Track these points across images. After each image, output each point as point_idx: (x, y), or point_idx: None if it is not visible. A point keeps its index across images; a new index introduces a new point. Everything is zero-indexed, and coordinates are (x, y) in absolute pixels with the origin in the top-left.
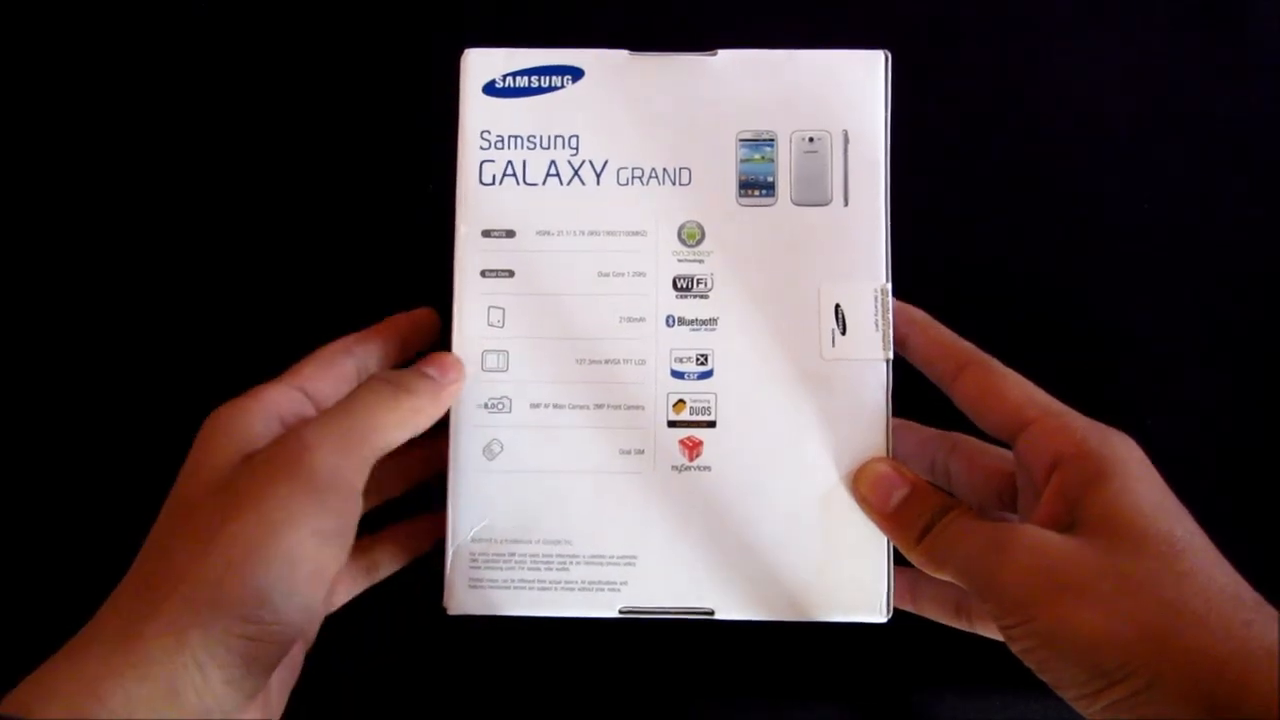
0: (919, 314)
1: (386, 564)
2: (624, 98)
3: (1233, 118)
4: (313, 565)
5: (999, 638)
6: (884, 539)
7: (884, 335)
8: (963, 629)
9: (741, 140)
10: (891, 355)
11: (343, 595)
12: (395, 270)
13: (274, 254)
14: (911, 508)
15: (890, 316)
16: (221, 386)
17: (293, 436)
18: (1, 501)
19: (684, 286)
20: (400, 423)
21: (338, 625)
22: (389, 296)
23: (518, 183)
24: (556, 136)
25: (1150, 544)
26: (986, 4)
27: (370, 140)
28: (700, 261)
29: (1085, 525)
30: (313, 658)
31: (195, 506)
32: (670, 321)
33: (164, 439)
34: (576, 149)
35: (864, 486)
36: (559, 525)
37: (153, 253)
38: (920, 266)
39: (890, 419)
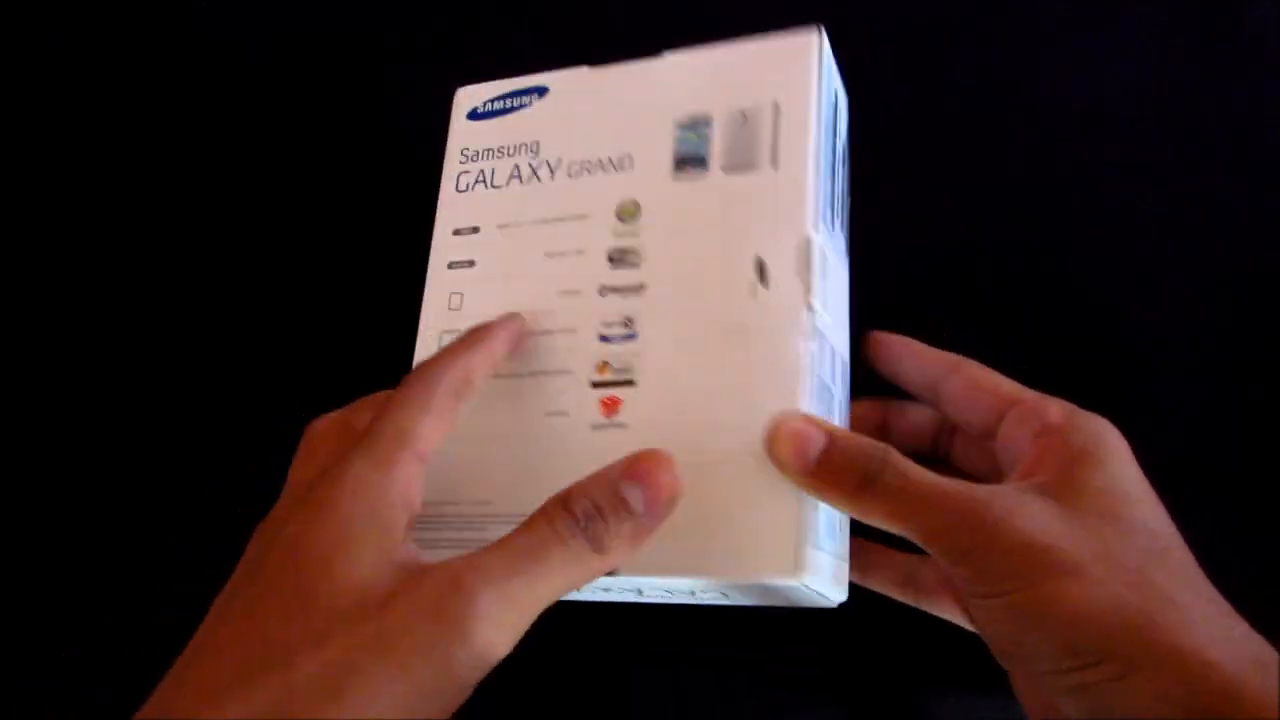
0: (903, 339)
1: None
2: (580, 104)
3: (1232, 117)
4: None
5: (948, 616)
6: (795, 493)
7: (807, 285)
8: (907, 602)
9: (679, 124)
10: (814, 303)
11: None
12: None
13: (274, 253)
14: (835, 460)
15: (815, 268)
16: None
17: (460, 591)
18: (0, 502)
19: (617, 259)
20: (574, 585)
21: None
22: (386, 295)
23: (486, 187)
24: (520, 144)
25: (1139, 530)
26: (987, 4)
27: (372, 142)
28: (635, 235)
29: (1070, 498)
30: None
31: (323, 609)
32: (602, 292)
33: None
34: (536, 152)
35: (778, 447)
36: (482, 486)
37: (148, 250)
38: (919, 266)
39: (812, 372)
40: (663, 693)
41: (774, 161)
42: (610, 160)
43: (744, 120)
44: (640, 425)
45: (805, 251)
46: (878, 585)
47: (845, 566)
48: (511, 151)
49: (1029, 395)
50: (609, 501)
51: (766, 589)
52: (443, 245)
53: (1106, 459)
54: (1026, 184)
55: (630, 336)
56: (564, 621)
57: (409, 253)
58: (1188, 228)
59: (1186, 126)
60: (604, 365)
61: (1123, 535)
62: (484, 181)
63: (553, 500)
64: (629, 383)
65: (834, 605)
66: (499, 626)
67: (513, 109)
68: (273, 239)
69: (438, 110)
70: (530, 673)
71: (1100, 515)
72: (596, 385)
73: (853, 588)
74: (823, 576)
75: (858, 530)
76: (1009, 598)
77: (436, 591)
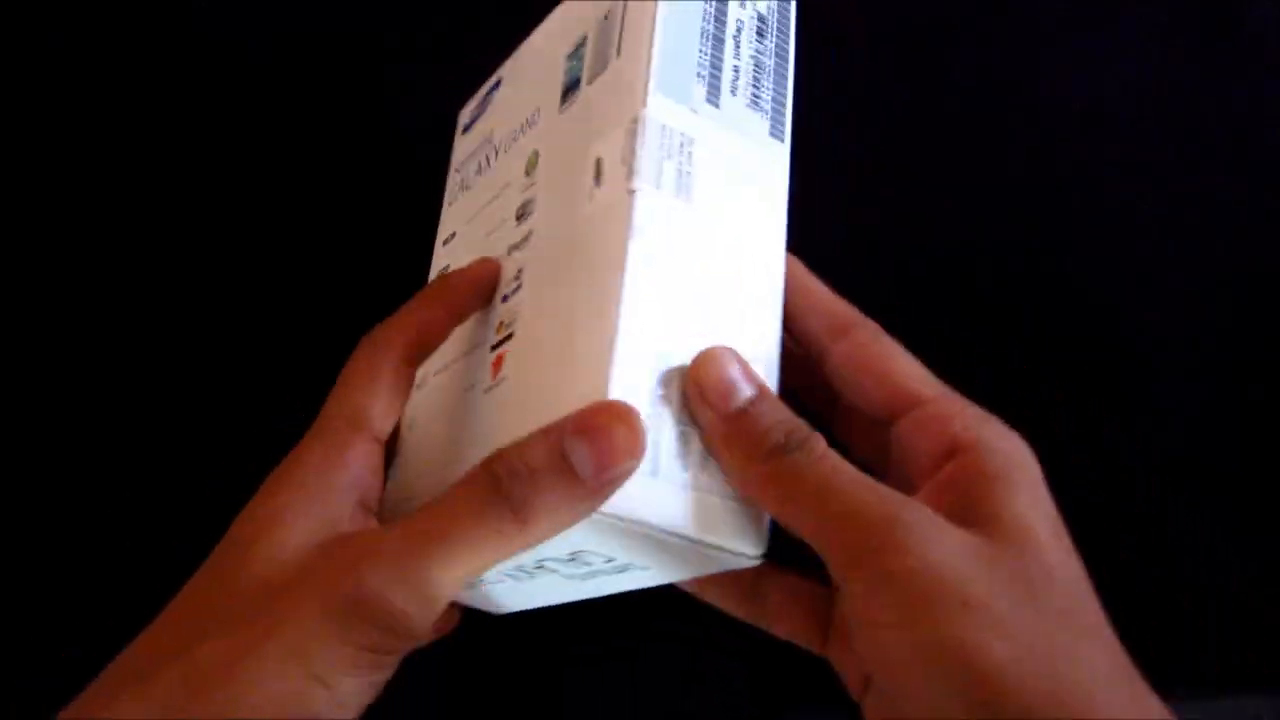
0: (796, 266)
1: None
2: (514, 81)
3: (1232, 117)
4: (341, 716)
5: (793, 638)
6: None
7: (631, 168)
8: (746, 619)
9: (566, 56)
10: (639, 186)
11: None
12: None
13: (274, 253)
14: (757, 418)
15: (645, 146)
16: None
17: (348, 566)
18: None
19: (521, 215)
20: (488, 563)
21: None
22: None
23: (462, 190)
24: (484, 141)
25: (1053, 574)
26: (987, 4)
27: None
28: (534, 184)
29: (984, 530)
30: None
31: (237, 594)
32: (510, 252)
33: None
34: (490, 140)
35: (702, 378)
36: (429, 473)
37: (148, 250)
38: (919, 266)
39: (645, 278)
40: (658, 694)
41: (619, 49)
42: (526, 120)
43: (605, 22)
44: (513, 378)
45: (636, 133)
46: (715, 599)
47: (738, 508)
48: (477, 150)
49: (930, 394)
50: (546, 460)
51: (646, 541)
52: (435, 259)
53: (1020, 486)
54: (1026, 184)
55: (519, 289)
56: (488, 629)
57: (409, 253)
58: (1188, 228)
59: (1186, 126)
60: (500, 324)
61: (1038, 579)
62: (464, 187)
63: (478, 463)
64: (510, 336)
65: (749, 561)
66: (392, 614)
67: (483, 112)
68: (273, 239)
69: (438, 110)
70: (453, 680)
71: (1016, 555)
72: (494, 347)
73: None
74: (673, 512)
75: None
76: (912, 632)
77: (330, 578)
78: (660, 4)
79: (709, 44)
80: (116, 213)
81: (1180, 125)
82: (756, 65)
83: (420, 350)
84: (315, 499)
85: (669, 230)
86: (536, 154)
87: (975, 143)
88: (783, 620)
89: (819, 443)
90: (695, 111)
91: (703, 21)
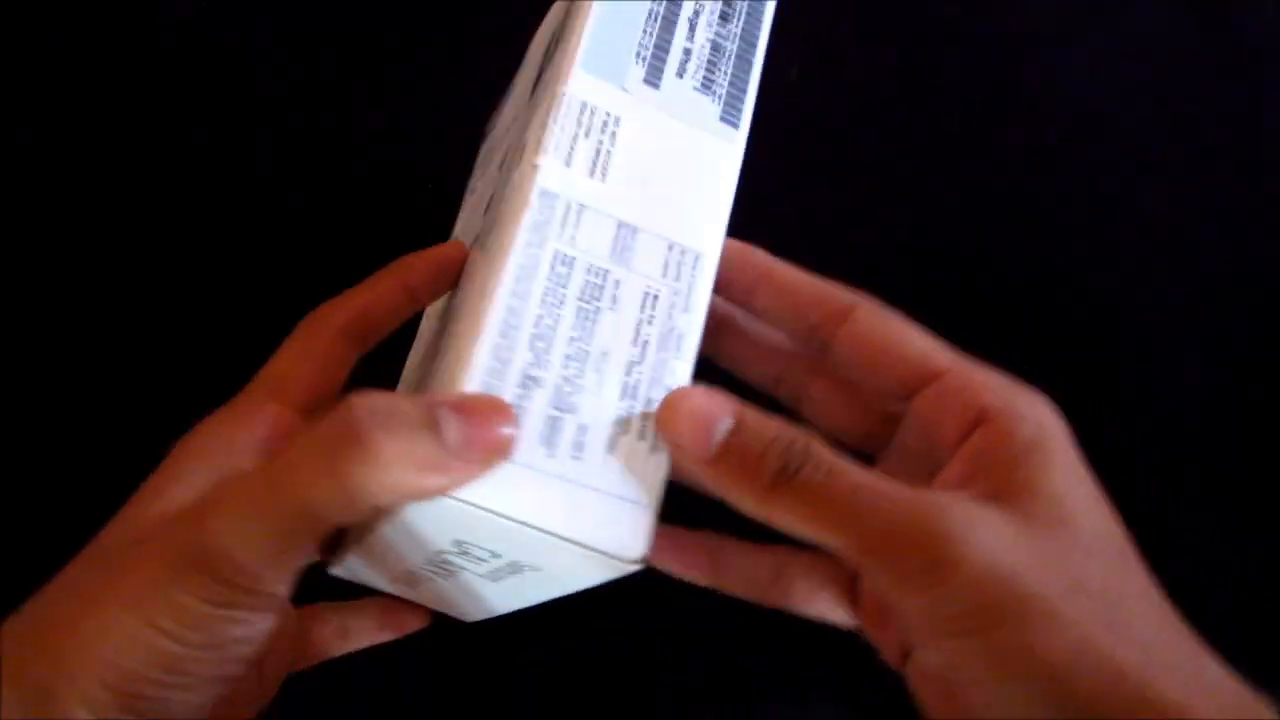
0: (761, 256)
1: (362, 634)
2: (514, 86)
3: (1232, 117)
4: (200, 673)
5: (826, 617)
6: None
7: (541, 144)
8: (773, 605)
9: (542, 55)
10: (542, 163)
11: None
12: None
13: (274, 253)
14: (742, 448)
15: (558, 119)
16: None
17: (201, 512)
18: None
19: (487, 208)
20: (345, 506)
21: None
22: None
23: (468, 194)
24: (485, 147)
25: (1100, 546)
26: (986, 4)
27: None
28: (499, 177)
29: (1024, 509)
30: None
31: (106, 550)
32: (476, 241)
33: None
34: (488, 143)
35: (673, 428)
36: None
37: (148, 250)
38: (917, 265)
39: (529, 261)
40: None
41: (569, 32)
42: (511, 120)
43: (568, 13)
44: (442, 359)
45: (549, 107)
46: (736, 589)
47: (616, 506)
48: (481, 158)
49: (948, 364)
50: (414, 412)
51: (514, 536)
52: None
53: (1054, 454)
54: (1026, 184)
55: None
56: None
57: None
58: (1188, 228)
59: (1186, 126)
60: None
61: (1086, 557)
62: (470, 191)
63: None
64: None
65: (627, 566)
66: (232, 566)
67: (491, 120)
68: (273, 239)
69: (438, 110)
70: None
71: (1060, 532)
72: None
73: None
74: (528, 503)
75: (707, 523)
76: (979, 639)
77: (179, 529)
78: None
79: (655, 24)
80: (117, 212)
81: (1180, 125)
82: (714, 48)
83: (365, 328)
84: (209, 456)
85: (571, 208)
86: (507, 150)
87: (975, 142)
88: (811, 602)
89: (819, 450)
90: (627, 90)
91: (653, 2)
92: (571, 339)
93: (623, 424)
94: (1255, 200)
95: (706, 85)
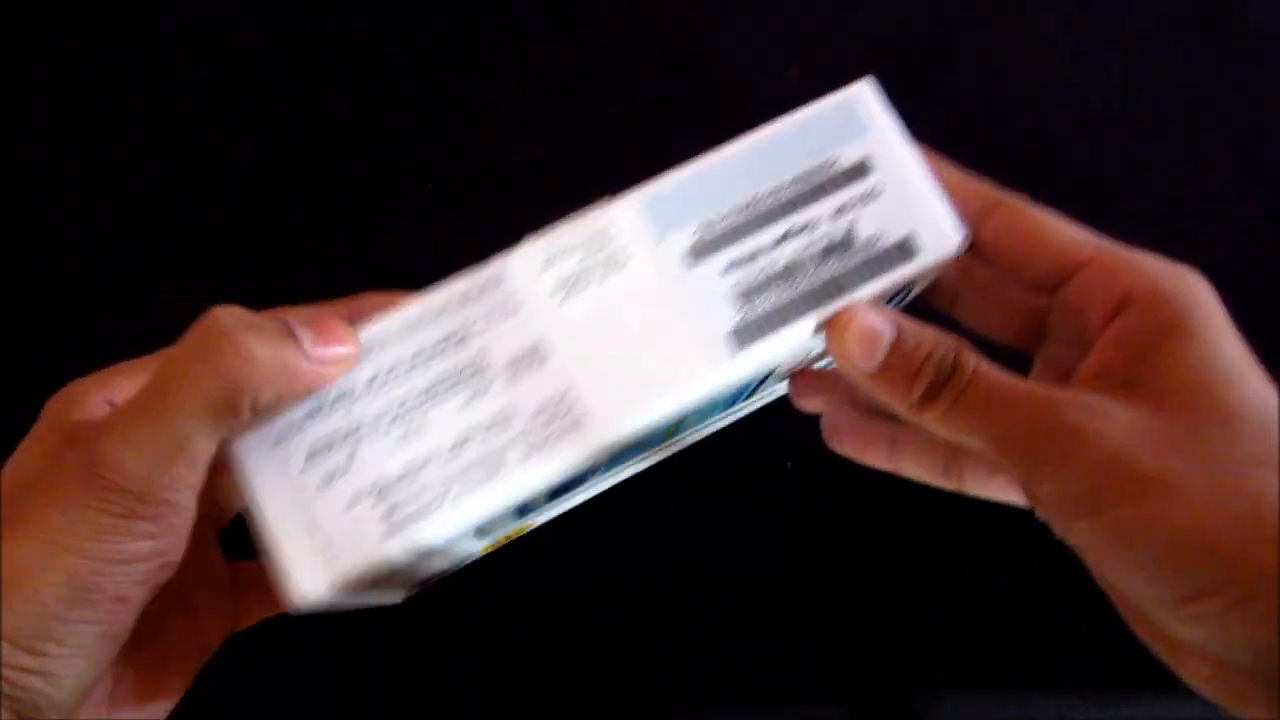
0: (931, 158)
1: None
2: None
3: (1232, 117)
4: (112, 591)
5: (1000, 497)
6: None
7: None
8: (950, 489)
9: None
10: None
11: (250, 616)
12: (392, 269)
13: (274, 253)
14: (902, 361)
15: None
16: None
17: (88, 432)
18: None
19: None
20: (226, 403)
21: None
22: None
23: None
24: None
25: (1238, 419)
26: (987, 4)
27: (374, 136)
28: None
29: (1159, 389)
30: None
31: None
32: None
33: None
34: None
35: (846, 346)
36: None
37: (148, 249)
38: None
39: None
40: (655, 694)
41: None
42: None
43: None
44: None
45: (585, 210)
46: (912, 471)
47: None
48: None
49: (1094, 251)
50: (270, 324)
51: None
52: None
53: (1195, 334)
54: (1026, 184)
55: None
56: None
57: (409, 253)
58: (1188, 228)
59: (1186, 126)
60: None
61: (1220, 429)
62: None
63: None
64: None
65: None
66: (124, 475)
67: None
68: (273, 239)
69: (438, 110)
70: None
71: (1189, 414)
72: None
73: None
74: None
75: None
76: (1101, 518)
77: (77, 447)
78: None
79: (748, 211)
80: (117, 212)
81: (1180, 125)
82: (787, 270)
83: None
84: (72, 403)
85: (509, 304)
86: None
87: (974, 142)
88: (985, 487)
89: (965, 359)
90: (659, 243)
91: (770, 192)
92: (412, 397)
93: (380, 492)
94: (1255, 200)
95: (745, 296)
